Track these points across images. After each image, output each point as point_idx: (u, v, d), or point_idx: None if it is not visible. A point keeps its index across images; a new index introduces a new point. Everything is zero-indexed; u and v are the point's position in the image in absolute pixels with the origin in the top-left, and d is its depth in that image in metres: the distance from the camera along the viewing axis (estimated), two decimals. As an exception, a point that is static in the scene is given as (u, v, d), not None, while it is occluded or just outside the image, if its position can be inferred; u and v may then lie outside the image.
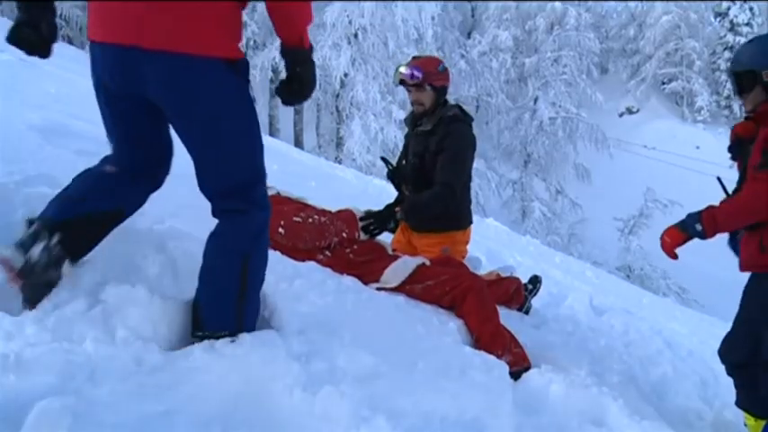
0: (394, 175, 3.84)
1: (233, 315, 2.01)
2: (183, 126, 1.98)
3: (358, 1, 18.05)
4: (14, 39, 1.99)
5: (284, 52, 2.03)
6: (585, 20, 25.93)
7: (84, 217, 2.03)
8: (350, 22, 18.19)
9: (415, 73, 3.55)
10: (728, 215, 2.70)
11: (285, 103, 2.13)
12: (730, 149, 2.96)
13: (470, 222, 3.90)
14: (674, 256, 2.85)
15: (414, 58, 3.75)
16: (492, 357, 2.59)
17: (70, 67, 8.20)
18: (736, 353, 2.87)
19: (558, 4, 25.82)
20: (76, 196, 2.08)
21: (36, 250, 1.89)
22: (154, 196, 2.71)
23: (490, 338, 2.87)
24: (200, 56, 1.86)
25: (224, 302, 2.01)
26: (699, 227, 2.70)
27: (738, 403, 2.97)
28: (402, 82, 3.61)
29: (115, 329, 1.89)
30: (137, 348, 1.83)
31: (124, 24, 1.84)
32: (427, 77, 3.58)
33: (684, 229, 2.76)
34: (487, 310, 2.98)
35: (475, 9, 28.88)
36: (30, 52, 2.03)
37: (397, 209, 3.48)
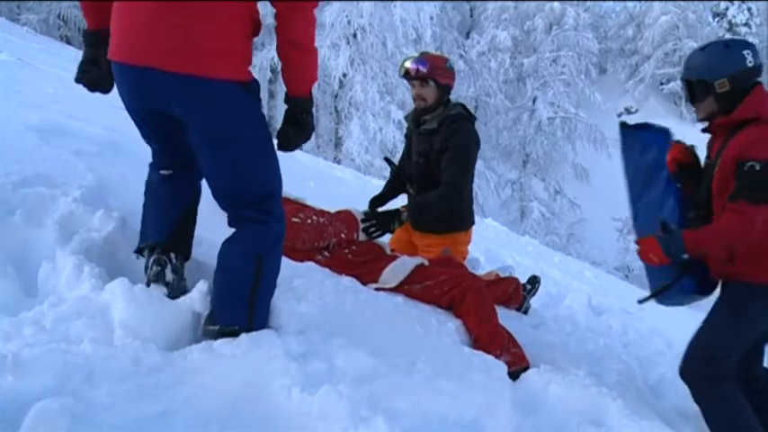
0: (399, 175, 3.81)
1: (245, 312, 2.09)
2: (200, 143, 2.08)
3: (357, 0, 18.05)
4: (80, 77, 2.23)
5: (289, 101, 2.19)
6: (584, 20, 25.91)
7: (178, 225, 2.30)
8: (348, 23, 18.17)
9: (421, 67, 3.49)
10: (713, 242, 2.69)
11: (286, 148, 2.23)
12: (675, 177, 2.93)
13: (472, 223, 3.87)
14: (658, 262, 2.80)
15: (422, 53, 3.69)
16: (491, 357, 2.59)
17: (69, 68, 8.18)
18: (694, 365, 2.81)
19: (556, 4, 25.80)
20: (160, 212, 2.32)
21: (169, 275, 2.18)
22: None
23: (489, 338, 2.87)
24: (216, 78, 1.98)
25: (237, 300, 2.10)
26: (685, 256, 2.69)
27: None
28: (407, 74, 3.53)
29: (113, 330, 1.89)
30: (135, 349, 1.83)
31: (147, 47, 1.96)
32: (432, 72, 3.50)
33: (669, 254, 2.72)
34: (486, 311, 2.98)
35: (473, 9, 28.87)
36: (92, 89, 2.26)
37: (402, 209, 3.43)
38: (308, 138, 2.24)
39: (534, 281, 4.00)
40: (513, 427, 2.20)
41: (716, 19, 36.61)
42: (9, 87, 4.81)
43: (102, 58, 2.16)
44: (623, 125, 3.04)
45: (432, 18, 18.76)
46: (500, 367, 2.53)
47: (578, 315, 4.60)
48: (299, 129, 2.19)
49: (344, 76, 18.35)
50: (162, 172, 2.32)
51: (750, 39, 35.19)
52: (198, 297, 2.13)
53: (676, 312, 4.41)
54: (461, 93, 21.14)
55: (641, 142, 2.98)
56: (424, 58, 3.56)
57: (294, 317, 2.22)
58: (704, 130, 2.89)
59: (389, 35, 18.29)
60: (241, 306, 2.10)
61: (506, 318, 3.23)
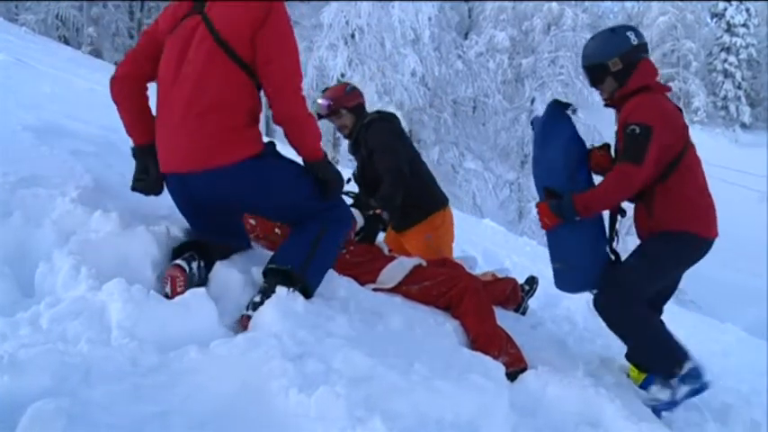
0: (361, 204, 3.89)
1: (302, 258, 2.45)
2: (249, 209, 2.62)
3: (355, 0, 18.04)
4: (135, 185, 2.60)
5: (305, 164, 2.57)
6: (582, 20, 25.91)
7: (215, 243, 2.54)
8: (347, 23, 18.18)
9: (325, 104, 3.82)
10: (600, 202, 3.02)
11: (330, 201, 2.63)
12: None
13: (444, 203, 4.00)
14: (550, 227, 3.14)
15: (323, 91, 3.99)
16: (488, 358, 2.58)
17: (66, 68, 8.20)
18: (611, 299, 3.09)
19: (554, 4, 25.82)
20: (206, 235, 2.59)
21: (194, 267, 2.38)
22: (147, 199, 2.71)
23: (487, 339, 2.87)
24: (236, 162, 2.36)
25: (298, 246, 2.49)
26: (577, 218, 3.01)
27: (628, 356, 3.30)
28: (319, 116, 3.82)
29: (110, 330, 1.89)
30: (132, 349, 1.83)
31: (180, 155, 2.38)
32: (337, 102, 3.83)
33: (561, 215, 3.03)
34: (484, 312, 2.98)
35: (472, 10, 28.90)
36: (147, 194, 2.61)
37: (377, 211, 3.59)
38: (340, 188, 2.65)
39: (532, 281, 4.00)
40: (511, 428, 2.20)
41: (714, 19, 36.67)
42: (7, 87, 4.81)
43: (151, 167, 2.53)
44: (557, 103, 3.26)
45: (430, 18, 18.75)
46: (498, 368, 2.52)
47: (576, 316, 4.60)
48: (326, 185, 2.57)
49: (342, 76, 18.33)
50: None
51: (748, 39, 35.18)
52: (193, 300, 2.12)
53: (672, 313, 4.42)
54: (460, 93, 21.14)
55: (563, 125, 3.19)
56: (326, 95, 3.87)
57: (291, 317, 2.22)
58: (606, 105, 3.22)
59: (388, 36, 18.29)
60: (300, 251, 2.47)
61: (504, 318, 3.23)
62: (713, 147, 31.64)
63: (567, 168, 3.08)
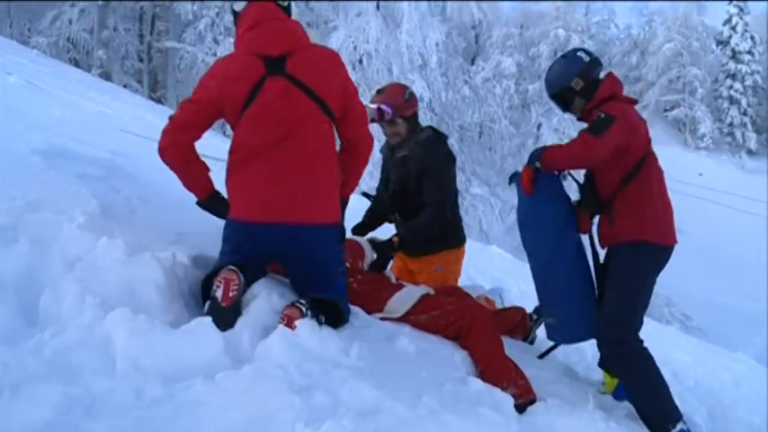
0: (378, 206, 3.85)
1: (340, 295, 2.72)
2: (298, 276, 2.69)
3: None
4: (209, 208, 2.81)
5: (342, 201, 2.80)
6: (588, 47, 26.08)
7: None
8: (354, 48, 18.29)
9: (386, 109, 3.54)
10: (560, 159, 3.23)
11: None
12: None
13: (463, 241, 3.92)
14: (530, 191, 3.28)
15: (378, 91, 3.71)
16: (497, 390, 2.54)
17: (75, 90, 8.26)
18: (612, 333, 3.14)
19: (561, 31, 26.02)
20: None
21: (242, 278, 2.43)
22: (154, 224, 2.70)
23: (496, 371, 2.82)
24: (323, 223, 2.62)
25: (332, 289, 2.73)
26: (538, 164, 3.23)
27: (601, 364, 3.31)
28: (372, 121, 3.55)
29: (114, 361, 1.86)
30: (136, 380, 1.80)
31: (269, 207, 2.54)
32: (396, 111, 3.57)
33: (531, 163, 3.27)
34: (493, 342, 2.94)
35: (479, 36, 29.09)
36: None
37: (394, 239, 3.51)
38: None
39: (540, 311, 3.95)
40: (521, 463, 2.15)
41: (719, 47, 36.82)
42: (17, 110, 4.83)
43: (221, 208, 2.71)
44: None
45: (437, 44, 18.87)
46: (506, 400, 2.48)
47: (584, 345, 4.52)
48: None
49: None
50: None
51: (754, 66, 35.26)
52: (199, 330, 2.10)
53: (684, 342, 4.36)
54: (466, 119, 21.19)
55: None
56: (383, 99, 3.59)
57: (298, 348, 2.19)
58: (580, 119, 3.39)
59: (395, 61, 18.39)
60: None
61: (512, 348, 3.18)
62: (719, 173, 31.64)
63: (554, 227, 3.28)
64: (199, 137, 2.69)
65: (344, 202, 2.83)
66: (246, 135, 2.57)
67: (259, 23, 2.60)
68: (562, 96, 3.37)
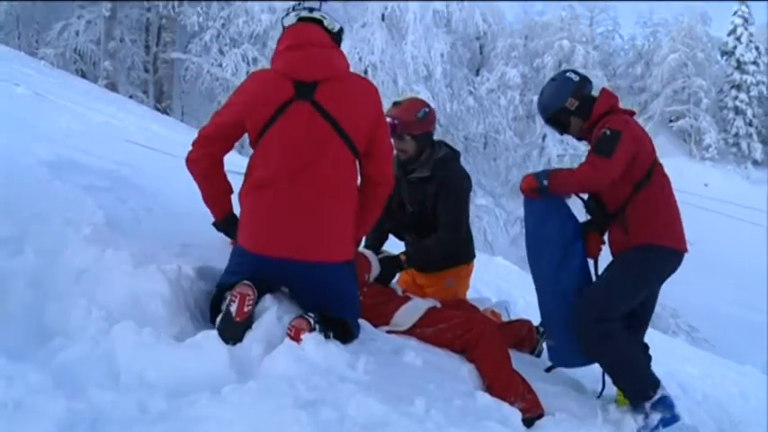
0: (392, 226, 3.78)
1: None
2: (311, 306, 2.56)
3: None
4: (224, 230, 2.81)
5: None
6: (593, 58, 26.16)
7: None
8: (360, 59, 18.35)
9: (392, 122, 3.41)
10: (570, 183, 3.21)
11: None
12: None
13: (473, 256, 3.88)
14: (530, 195, 3.24)
15: (395, 104, 3.63)
16: (505, 405, 2.52)
17: (82, 101, 8.28)
18: (588, 313, 3.11)
19: (565, 42, 26.07)
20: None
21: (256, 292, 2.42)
22: (160, 236, 2.69)
23: (503, 385, 2.80)
24: (336, 262, 2.56)
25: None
26: (545, 182, 3.16)
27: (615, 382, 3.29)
28: None
29: (119, 374, 1.84)
30: (141, 395, 1.79)
31: (283, 242, 2.48)
32: (405, 128, 3.46)
33: (538, 179, 3.18)
34: (500, 356, 2.92)
35: (483, 47, 29.16)
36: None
37: (402, 257, 3.46)
38: None
39: (542, 331, 3.92)
40: (529, 479, 2.13)
41: (724, 57, 36.82)
42: (24, 121, 4.84)
43: (231, 229, 2.69)
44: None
45: (442, 55, 18.93)
46: (514, 415, 2.46)
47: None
48: None
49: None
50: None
51: (759, 77, 35.22)
52: (204, 343, 2.08)
53: (691, 355, 4.33)
54: (471, 129, 21.22)
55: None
56: (395, 112, 3.51)
57: (304, 362, 2.17)
58: (579, 139, 3.42)
59: (400, 72, 18.45)
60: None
61: (519, 361, 3.16)
62: (725, 184, 31.55)
63: (560, 250, 3.23)
64: (226, 150, 2.66)
65: (356, 244, 2.80)
66: (264, 158, 2.53)
67: (298, 46, 2.55)
68: (558, 119, 3.36)
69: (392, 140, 3.49)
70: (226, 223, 2.77)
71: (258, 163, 2.55)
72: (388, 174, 2.75)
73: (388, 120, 3.43)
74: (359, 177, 2.68)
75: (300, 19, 2.64)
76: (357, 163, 2.61)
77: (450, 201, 3.49)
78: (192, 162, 2.65)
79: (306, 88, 2.50)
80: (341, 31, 2.71)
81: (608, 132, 3.09)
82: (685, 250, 3.26)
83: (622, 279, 3.18)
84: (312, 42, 2.56)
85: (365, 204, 2.70)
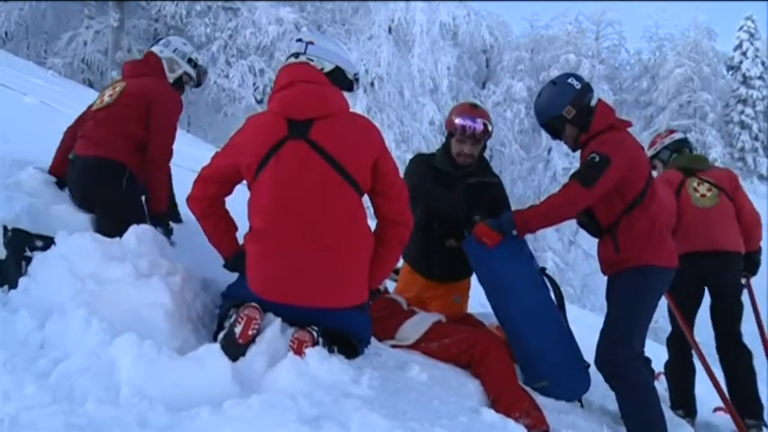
0: (448, 233, 3.55)
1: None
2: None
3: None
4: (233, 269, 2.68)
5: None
6: (599, 72, 26.18)
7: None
8: (366, 71, 18.41)
9: (479, 125, 3.42)
10: (539, 218, 3.10)
11: None
12: None
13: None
14: (494, 241, 3.08)
15: (473, 106, 3.61)
16: (511, 421, 2.48)
17: (89, 111, 8.29)
18: (611, 353, 3.03)
19: (571, 56, 26.09)
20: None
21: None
22: (163, 247, 2.66)
23: (509, 400, 2.76)
24: (348, 307, 2.47)
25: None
26: (514, 231, 3.06)
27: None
28: (464, 131, 3.41)
29: (119, 388, 1.81)
30: (141, 409, 1.76)
31: (295, 290, 2.40)
32: (487, 133, 3.49)
33: (501, 231, 3.06)
34: (506, 372, 2.89)
35: (489, 60, 29.22)
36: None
37: (476, 217, 3.27)
38: None
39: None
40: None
41: (730, 72, 36.81)
42: (30, 131, 4.85)
43: (240, 266, 2.56)
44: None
45: (449, 68, 19.00)
46: (520, 431, 2.41)
47: (597, 373, 4.45)
48: None
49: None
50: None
51: (765, 92, 35.19)
52: (206, 356, 2.05)
53: (697, 368, 4.28)
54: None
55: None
56: (484, 115, 3.51)
57: (307, 377, 2.14)
58: (574, 149, 3.27)
59: (407, 84, 18.51)
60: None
61: (525, 377, 3.12)
62: (732, 198, 31.41)
63: (519, 287, 3.15)
64: (226, 192, 2.62)
65: (372, 293, 2.68)
66: (259, 201, 2.46)
67: (290, 84, 2.51)
68: (553, 124, 3.24)
69: (461, 144, 3.47)
70: (234, 261, 2.63)
71: (256, 207, 2.47)
72: (405, 212, 2.63)
73: (475, 123, 3.44)
74: (366, 214, 2.57)
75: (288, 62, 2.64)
76: (361, 200, 2.53)
77: (507, 201, 3.59)
78: (192, 201, 2.62)
79: (299, 126, 2.42)
80: (337, 69, 2.65)
81: (596, 158, 2.97)
82: (676, 266, 3.17)
83: (627, 309, 3.07)
84: (303, 79, 2.52)
85: (385, 246, 2.60)
